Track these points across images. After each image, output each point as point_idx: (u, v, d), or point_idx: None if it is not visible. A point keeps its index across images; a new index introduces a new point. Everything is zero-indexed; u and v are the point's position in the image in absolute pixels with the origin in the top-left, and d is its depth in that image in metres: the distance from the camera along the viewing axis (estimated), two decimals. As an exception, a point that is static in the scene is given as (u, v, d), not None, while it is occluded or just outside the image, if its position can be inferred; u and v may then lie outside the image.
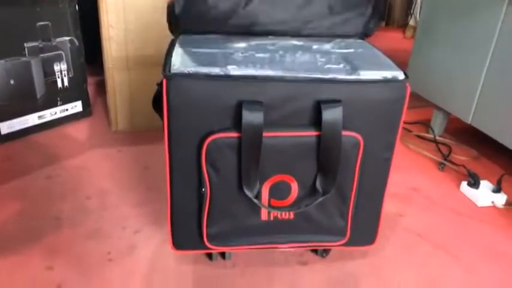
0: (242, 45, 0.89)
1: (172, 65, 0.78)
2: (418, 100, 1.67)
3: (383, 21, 3.38)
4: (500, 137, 1.34)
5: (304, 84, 0.77)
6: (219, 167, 0.80)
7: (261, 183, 0.82)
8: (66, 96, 1.57)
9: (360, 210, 0.90)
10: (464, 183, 1.32)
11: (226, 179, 0.81)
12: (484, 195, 1.26)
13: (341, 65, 0.82)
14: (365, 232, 0.96)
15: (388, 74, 0.80)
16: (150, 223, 1.11)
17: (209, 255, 0.99)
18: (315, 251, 1.03)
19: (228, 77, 0.76)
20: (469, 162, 1.48)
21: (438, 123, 1.66)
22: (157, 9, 1.43)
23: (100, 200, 1.20)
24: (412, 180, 1.38)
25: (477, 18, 1.40)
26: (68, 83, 1.56)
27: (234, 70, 0.77)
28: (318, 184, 0.83)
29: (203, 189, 0.82)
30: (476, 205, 1.26)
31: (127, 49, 1.45)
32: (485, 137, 1.39)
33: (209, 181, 0.81)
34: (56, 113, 1.56)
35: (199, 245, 0.89)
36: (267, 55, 0.85)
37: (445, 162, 1.46)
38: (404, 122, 1.72)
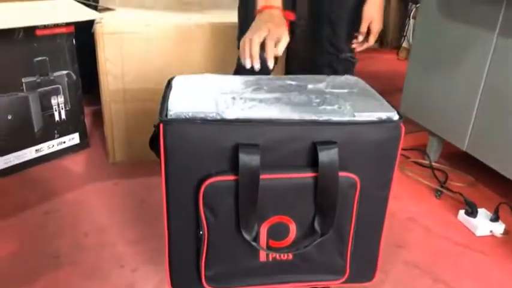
0: (238, 85, 0.90)
1: (169, 109, 0.78)
2: (413, 125, 1.68)
3: (376, 43, 3.43)
4: (496, 164, 1.35)
5: (300, 127, 0.78)
6: (216, 210, 0.80)
7: (259, 225, 0.82)
8: (64, 129, 1.57)
9: (358, 248, 0.90)
10: (461, 212, 1.32)
11: (224, 222, 0.81)
12: (482, 224, 1.26)
13: (336, 106, 0.83)
14: (364, 268, 0.95)
15: (383, 115, 0.81)
16: (148, 261, 1.10)
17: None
18: (314, 288, 1.02)
19: (224, 121, 0.77)
20: (465, 189, 1.48)
21: (434, 149, 1.67)
22: (153, 43, 1.44)
23: (97, 236, 1.19)
24: (409, 209, 1.38)
25: (469, 47, 1.42)
26: (65, 116, 1.57)
27: (229, 113, 0.78)
28: (316, 225, 0.83)
29: (201, 232, 0.82)
30: (474, 234, 1.26)
31: (124, 82, 1.46)
32: (481, 162, 1.40)
33: (207, 224, 0.81)
34: (53, 145, 1.56)
35: (197, 286, 0.88)
36: (262, 96, 0.86)
37: (442, 189, 1.46)
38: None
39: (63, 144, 1.59)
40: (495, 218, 1.27)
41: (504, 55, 1.30)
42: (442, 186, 1.48)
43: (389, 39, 3.36)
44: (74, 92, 1.57)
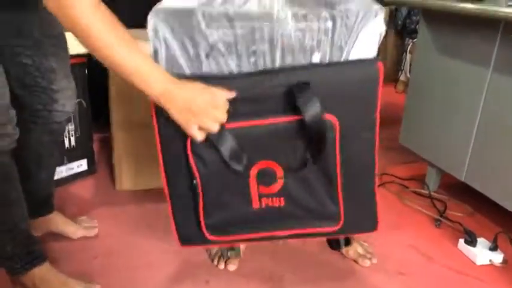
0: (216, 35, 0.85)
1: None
2: (412, 155, 1.73)
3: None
4: (493, 195, 1.39)
5: (274, 74, 0.82)
6: (204, 157, 0.85)
7: (248, 170, 0.87)
8: (72, 156, 1.61)
9: (350, 193, 0.91)
10: (461, 241, 1.35)
11: (214, 167, 0.86)
12: (482, 253, 1.28)
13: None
14: (362, 217, 0.96)
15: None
16: (158, 285, 1.12)
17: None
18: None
19: (199, 78, 0.82)
20: (464, 218, 1.51)
21: (433, 179, 1.71)
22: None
23: (107, 261, 1.21)
24: (409, 238, 1.41)
25: (465, 80, 1.49)
26: (75, 143, 1.61)
27: (206, 67, 0.83)
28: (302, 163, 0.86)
29: (194, 182, 0.87)
30: (474, 263, 1.29)
31: (134, 111, 1.51)
32: (479, 192, 1.44)
33: (198, 171, 0.86)
34: (62, 172, 1.59)
35: (200, 235, 0.93)
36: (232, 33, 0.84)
37: (441, 219, 1.50)
38: (400, 178, 1.78)
39: (71, 170, 1.63)
40: (494, 247, 1.30)
41: (499, 88, 1.36)
42: (441, 216, 1.51)
43: (387, 73, 3.46)
44: (84, 120, 1.62)
